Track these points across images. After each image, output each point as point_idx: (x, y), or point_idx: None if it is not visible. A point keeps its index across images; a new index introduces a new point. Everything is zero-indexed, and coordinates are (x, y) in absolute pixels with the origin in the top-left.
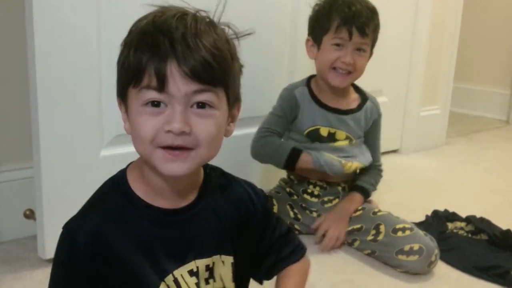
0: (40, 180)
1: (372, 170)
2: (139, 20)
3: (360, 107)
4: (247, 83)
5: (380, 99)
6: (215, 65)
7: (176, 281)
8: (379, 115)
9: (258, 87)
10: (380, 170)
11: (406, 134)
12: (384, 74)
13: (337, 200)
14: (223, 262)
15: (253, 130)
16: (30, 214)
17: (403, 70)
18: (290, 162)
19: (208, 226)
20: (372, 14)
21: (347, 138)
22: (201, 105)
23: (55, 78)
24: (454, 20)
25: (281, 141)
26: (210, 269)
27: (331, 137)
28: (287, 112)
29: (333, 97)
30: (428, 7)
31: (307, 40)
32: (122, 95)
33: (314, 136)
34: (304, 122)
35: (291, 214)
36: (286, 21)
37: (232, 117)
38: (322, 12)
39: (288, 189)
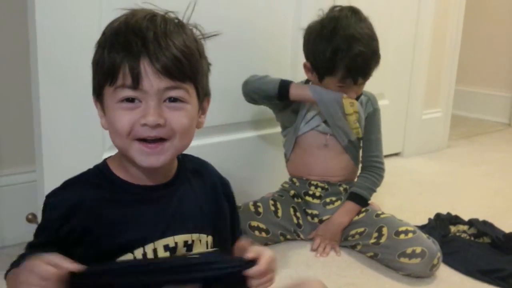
0: (43, 184)
1: (371, 171)
2: (112, 22)
3: (356, 99)
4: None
5: (382, 102)
6: (184, 62)
7: (154, 251)
8: (375, 110)
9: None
10: (380, 169)
11: (408, 137)
12: (386, 77)
13: (339, 202)
14: (200, 241)
15: (257, 133)
16: (32, 218)
17: (405, 73)
18: (283, 89)
19: (188, 204)
20: (374, 56)
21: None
22: (173, 99)
23: (58, 82)
24: (456, 23)
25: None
26: (188, 246)
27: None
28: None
29: None
30: (430, 11)
31: (305, 65)
32: (98, 94)
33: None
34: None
35: (294, 219)
36: (288, 35)
37: (202, 110)
38: (322, 51)
39: (291, 192)
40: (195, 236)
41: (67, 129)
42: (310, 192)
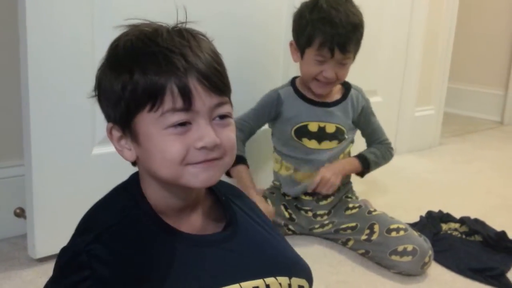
0: (31, 178)
1: (380, 146)
2: (122, 41)
3: (345, 96)
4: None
5: (375, 99)
6: (225, 74)
7: None
8: (367, 101)
9: (255, 88)
10: (389, 145)
11: (400, 135)
12: (379, 75)
13: (332, 197)
14: (280, 284)
15: None
16: (20, 213)
17: (397, 70)
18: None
19: (250, 240)
20: (353, 30)
21: (337, 130)
22: (222, 116)
23: (47, 75)
24: (449, 21)
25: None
26: None
27: (322, 132)
28: (267, 108)
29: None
30: (423, 9)
31: (291, 43)
32: (125, 122)
33: (302, 133)
34: (291, 120)
35: (286, 214)
36: (281, 27)
37: None
38: (304, 24)
39: (282, 190)
40: (270, 280)
41: (56, 122)
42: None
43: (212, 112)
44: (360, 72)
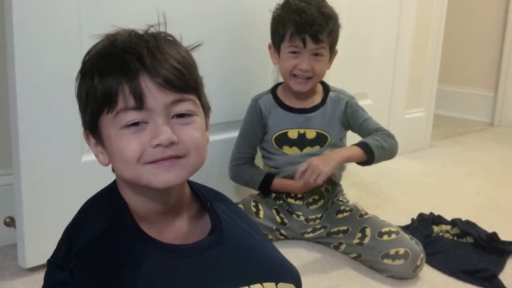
0: (20, 187)
1: (376, 132)
2: (92, 49)
3: (324, 100)
4: (234, 87)
5: (365, 102)
6: (185, 72)
7: None
8: (350, 97)
9: (244, 92)
10: (386, 131)
11: None
12: (369, 77)
13: (322, 201)
14: None
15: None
16: (10, 222)
17: (387, 72)
18: (263, 188)
19: (235, 247)
20: (325, 20)
21: (318, 135)
22: (181, 115)
23: (35, 83)
24: (438, 22)
25: (252, 171)
26: None
27: (302, 138)
28: (255, 125)
29: (299, 99)
30: (412, 10)
31: (269, 46)
32: (92, 127)
33: (282, 140)
34: (271, 128)
35: (278, 219)
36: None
37: (206, 125)
38: (277, 19)
39: (273, 194)
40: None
41: (45, 131)
42: (292, 194)
43: (169, 110)
44: (350, 75)
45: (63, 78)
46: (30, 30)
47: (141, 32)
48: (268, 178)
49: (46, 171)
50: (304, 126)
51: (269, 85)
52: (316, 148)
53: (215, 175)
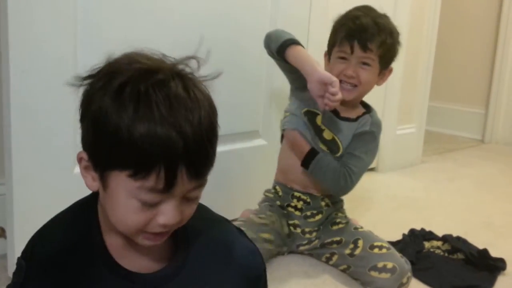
0: (12, 197)
1: (342, 164)
2: (120, 74)
3: (357, 119)
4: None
5: None
6: (212, 157)
7: None
8: (371, 132)
9: (238, 105)
10: (350, 170)
11: (382, 153)
12: None
13: (320, 215)
14: None
15: (235, 146)
16: (1, 233)
17: (379, 88)
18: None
19: (194, 281)
20: (378, 29)
21: (333, 141)
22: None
23: (28, 94)
24: (430, 39)
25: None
26: None
27: (319, 131)
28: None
29: (339, 105)
30: (404, 27)
31: (324, 54)
32: (101, 167)
33: (310, 117)
34: (308, 101)
35: (286, 229)
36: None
37: None
38: (334, 27)
39: (277, 202)
40: None
41: (37, 141)
42: (293, 204)
43: (186, 193)
44: None
45: (57, 89)
46: (24, 44)
47: (174, 61)
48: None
49: (38, 182)
50: (327, 125)
51: (262, 104)
52: (324, 148)
53: (217, 187)
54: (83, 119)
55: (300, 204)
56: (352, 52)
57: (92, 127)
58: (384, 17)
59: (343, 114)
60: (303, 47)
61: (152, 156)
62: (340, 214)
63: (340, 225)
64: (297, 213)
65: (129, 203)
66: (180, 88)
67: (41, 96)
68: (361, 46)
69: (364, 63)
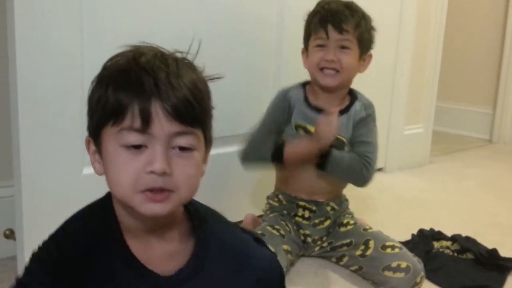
0: (21, 199)
1: (356, 155)
2: (115, 57)
3: (348, 108)
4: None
5: None
6: (195, 105)
7: None
8: (368, 115)
9: (241, 107)
10: (367, 159)
11: (390, 153)
12: (367, 93)
13: (328, 221)
14: None
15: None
16: (10, 234)
17: (386, 89)
18: (275, 156)
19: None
20: (350, 12)
21: (335, 140)
22: (182, 148)
23: (36, 95)
24: (437, 39)
25: (264, 135)
26: None
27: None
28: (279, 112)
29: (326, 101)
30: (410, 27)
31: (302, 51)
32: (95, 134)
33: (303, 130)
34: (296, 117)
35: (301, 238)
36: (272, 40)
37: (204, 158)
38: (307, 19)
39: (284, 211)
40: None
41: (46, 143)
42: (299, 214)
43: (171, 141)
44: None
45: (65, 91)
46: (32, 45)
47: (167, 52)
48: (281, 146)
49: (46, 183)
50: None
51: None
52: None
53: (214, 190)
54: (88, 111)
55: (307, 213)
56: (327, 36)
57: (88, 105)
58: (353, 2)
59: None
60: (283, 143)
61: (124, 97)
62: (347, 215)
63: (349, 227)
64: (305, 222)
65: (117, 155)
66: (161, 58)
67: (49, 98)
68: (336, 28)
69: (343, 47)
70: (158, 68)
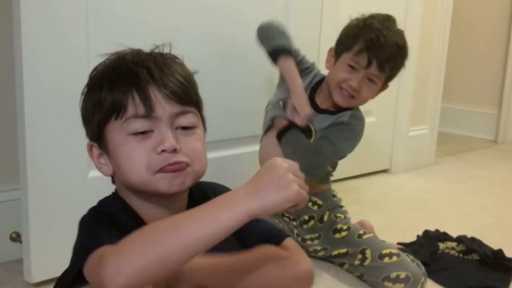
0: (27, 202)
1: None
2: (98, 65)
3: (336, 112)
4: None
5: (369, 120)
6: (189, 87)
7: None
8: (349, 123)
9: (242, 110)
10: (322, 148)
11: (395, 154)
12: None
13: (312, 221)
14: None
15: (239, 151)
16: (16, 237)
17: (391, 90)
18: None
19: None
20: (398, 52)
21: (306, 128)
22: (184, 127)
23: (42, 98)
24: (442, 41)
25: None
26: None
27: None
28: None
29: (324, 99)
30: (415, 29)
31: (330, 49)
32: (98, 135)
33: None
34: (282, 94)
35: (296, 239)
36: None
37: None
38: (352, 29)
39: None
40: None
41: (52, 146)
42: (286, 214)
43: (174, 121)
44: None
45: (71, 93)
46: (38, 47)
47: (148, 51)
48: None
49: (53, 186)
50: None
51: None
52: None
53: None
54: (82, 120)
55: (291, 213)
56: (367, 66)
57: (82, 115)
58: (402, 34)
59: (323, 106)
60: (291, 53)
61: (121, 91)
62: (339, 216)
63: (343, 233)
64: (294, 222)
65: (126, 144)
66: (145, 54)
67: (55, 101)
68: (378, 65)
69: (370, 80)
70: (147, 60)
